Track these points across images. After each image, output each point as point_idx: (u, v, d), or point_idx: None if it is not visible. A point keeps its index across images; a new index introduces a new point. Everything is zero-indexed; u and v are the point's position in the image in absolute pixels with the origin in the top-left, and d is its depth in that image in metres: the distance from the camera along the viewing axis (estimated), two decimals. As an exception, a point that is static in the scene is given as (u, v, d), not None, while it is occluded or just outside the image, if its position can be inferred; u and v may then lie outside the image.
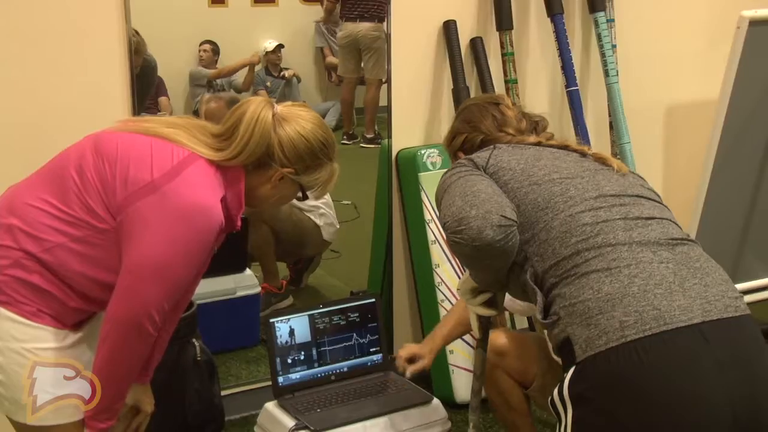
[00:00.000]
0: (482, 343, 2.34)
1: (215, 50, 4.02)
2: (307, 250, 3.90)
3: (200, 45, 3.99)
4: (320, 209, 3.76)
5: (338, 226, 3.85)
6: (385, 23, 4.00)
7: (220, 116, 1.99)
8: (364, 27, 4.31)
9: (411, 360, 2.61)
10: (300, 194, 2.04)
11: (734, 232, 3.46)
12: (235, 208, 1.93)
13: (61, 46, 2.63)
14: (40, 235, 1.82)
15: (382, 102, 4.11)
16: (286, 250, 3.82)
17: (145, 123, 1.95)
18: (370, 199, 3.50)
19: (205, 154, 1.88)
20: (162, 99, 3.74)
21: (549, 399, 1.78)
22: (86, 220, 1.82)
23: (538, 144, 2.10)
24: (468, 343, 3.06)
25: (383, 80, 4.25)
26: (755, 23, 3.05)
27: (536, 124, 2.21)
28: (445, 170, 2.06)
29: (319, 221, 3.77)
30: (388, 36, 3.17)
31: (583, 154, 2.07)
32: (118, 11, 2.67)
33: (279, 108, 1.96)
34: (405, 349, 2.64)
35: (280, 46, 4.20)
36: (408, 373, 2.58)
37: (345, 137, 4.54)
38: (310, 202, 3.67)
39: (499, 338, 2.46)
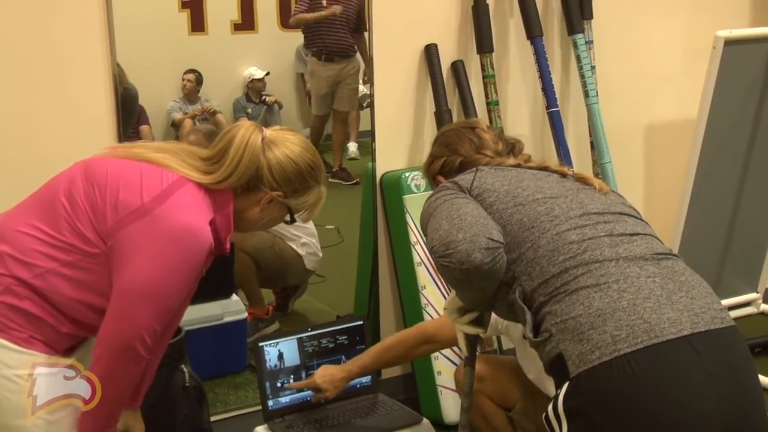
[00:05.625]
0: (470, 361, 2.35)
1: (198, 80, 4.04)
2: (290, 279, 3.89)
3: (184, 74, 4.01)
4: (302, 239, 3.74)
5: (321, 255, 3.84)
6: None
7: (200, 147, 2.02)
8: None
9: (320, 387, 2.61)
10: (288, 217, 2.06)
11: (715, 248, 3.50)
12: (224, 231, 1.95)
13: (49, 77, 2.66)
14: (30, 261, 1.82)
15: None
16: (269, 278, 3.80)
17: (134, 149, 1.97)
18: (353, 223, 3.51)
19: (194, 178, 1.90)
20: (144, 127, 3.74)
21: (543, 415, 1.79)
22: (76, 245, 1.83)
23: (518, 166, 2.12)
24: (455, 364, 3.07)
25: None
26: (730, 43, 3.11)
27: (513, 147, 2.23)
28: (430, 194, 2.07)
29: (301, 251, 3.75)
30: (370, 61, 3.19)
31: (564, 175, 2.09)
32: (103, 43, 2.71)
33: (268, 132, 1.98)
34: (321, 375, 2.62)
35: (266, 74, 4.23)
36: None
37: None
38: (293, 231, 3.68)
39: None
